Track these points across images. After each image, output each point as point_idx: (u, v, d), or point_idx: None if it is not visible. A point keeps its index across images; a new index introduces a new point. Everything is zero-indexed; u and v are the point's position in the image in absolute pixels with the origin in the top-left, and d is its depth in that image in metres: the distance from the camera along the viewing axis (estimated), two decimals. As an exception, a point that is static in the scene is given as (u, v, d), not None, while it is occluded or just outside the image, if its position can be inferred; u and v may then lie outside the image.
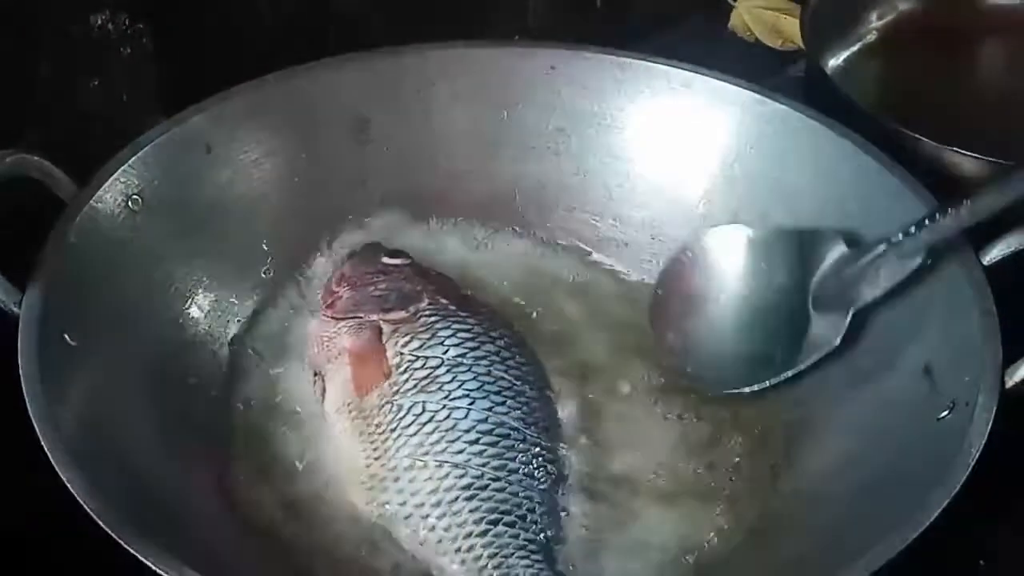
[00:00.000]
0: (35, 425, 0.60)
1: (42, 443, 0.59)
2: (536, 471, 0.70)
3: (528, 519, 0.67)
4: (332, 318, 0.77)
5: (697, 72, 0.85)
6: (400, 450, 0.69)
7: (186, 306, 0.77)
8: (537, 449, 0.71)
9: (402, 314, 0.76)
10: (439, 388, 0.72)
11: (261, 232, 0.82)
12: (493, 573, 0.65)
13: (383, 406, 0.71)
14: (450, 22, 0.91)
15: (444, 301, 0.77)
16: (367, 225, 0.84)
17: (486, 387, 0.72)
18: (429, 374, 0.72)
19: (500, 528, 0.66)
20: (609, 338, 0.81)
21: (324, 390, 0.74)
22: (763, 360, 0.76)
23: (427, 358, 0.73)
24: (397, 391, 0.72)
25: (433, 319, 0.76)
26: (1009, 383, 0.65)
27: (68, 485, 0.57)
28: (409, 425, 0.70)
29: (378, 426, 0.71)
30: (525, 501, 0.68)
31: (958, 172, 0.81)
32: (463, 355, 0.73)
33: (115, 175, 0.74)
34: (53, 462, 0.58)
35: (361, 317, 0.76)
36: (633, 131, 0.87)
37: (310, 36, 0.98)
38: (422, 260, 0.82)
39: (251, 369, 0.77)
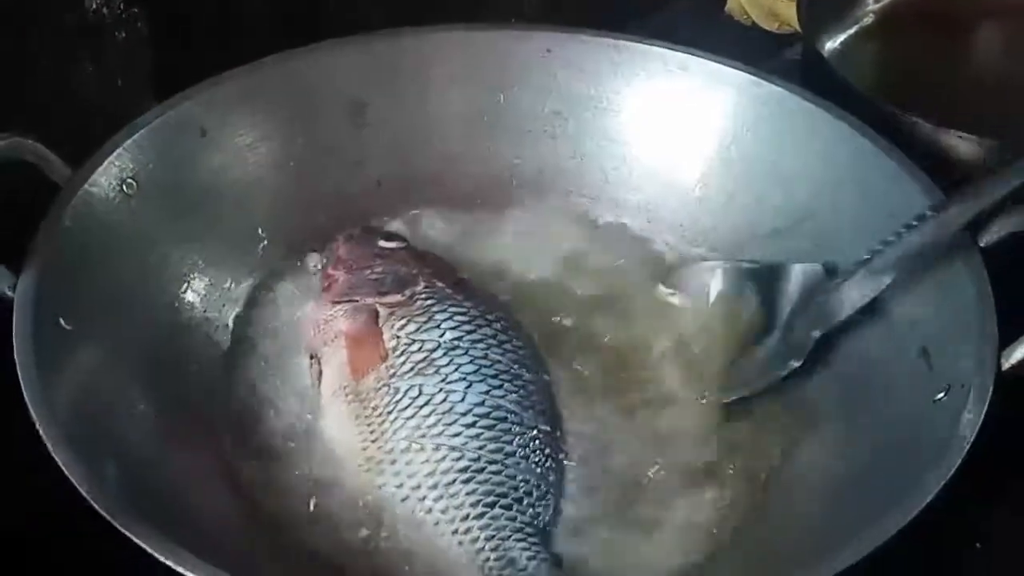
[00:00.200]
0: (31, 409, 0.60)
1: (38, 428, 0.59)
2: (533, 454, 0.70)
3: (525, 502, 0.67)
4: (328, 301, 0.77)
5: (694, 54, 0.85)
6: (397, 433, 0.69)
7: (182, 290, 0.77)
8: (534, 432, 0.71)
9: (398, 297, 0.76)
10: (436, 371, 0.72)
11: (257, 216, 0.81)
12: (490, 555, 0.65)
13: (380, 389, 0.71)
14: (445, 6, 0.90)
15: (440, 284, 0.77)
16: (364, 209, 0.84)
17: (483, 370, 0.72)
18: (426, 357, 0.72)
19: (497, 511, 0.66)
20: (607, 324, 0.80)
21: (320, 373, 0.74)
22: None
23: (424, 341, 0.73)
24: (394, 374, 0.72)
25: (430, 302, 0.75)
26: (1005, 365, 0.65)
27: (64, 469, 0.57)
28: (406, 408, 0.70)
29: (375, 409, 0.71)
30: (522, 484, 0.68)
31: (955, 154, 0.81)
32: (460, 338, 0.73)
33: (110, 159, 0.73)
34: (49, 447, 0.58)
35: (357, 300, 0.76)
36: (629, 114, 0.87)
37: (305, 20, 0.98)
38: (418, 243, 0.82)
39: (247, 352, 0.77)
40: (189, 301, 0.77)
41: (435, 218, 0.87)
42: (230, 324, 0.78)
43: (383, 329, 0.74)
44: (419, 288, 0.77)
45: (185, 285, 0.77)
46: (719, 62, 0.85)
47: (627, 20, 0.95)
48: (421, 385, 0.71)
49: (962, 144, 0.80)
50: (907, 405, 0.67)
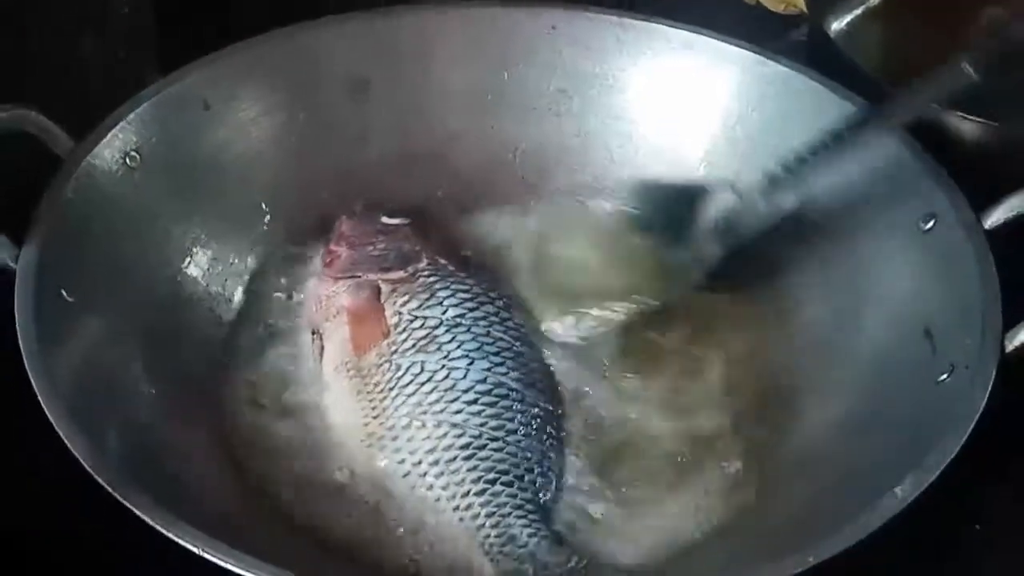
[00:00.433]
0: (32, 381, 0.60)
1: (39, 399, 0.59)
2: (534, 432, 0.70)
3: (526, 479, 0.67)
4: (331, 277, 0.76)
5: (699, 33, 0.85)
6: (399, 409, 0.69)
7: (184, 264, 0.77)
8: (536, 410, 0.71)
9: (401, 274, 0.76)
10: (438, 348, 0.72)
11: (260, 190, 0.81)
12: (491, 532, 0.65)
13: (381, 365, 0.71)
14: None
15: (443, 261, 0.77)
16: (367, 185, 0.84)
17: (485, 347, 0.72)
18: (428, 334, 0.72)
19: (498, 488, 0.66)
20: (602, 296, 0.79)
21: (322, 349, 0.74)
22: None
23: (426, 318, 0.73)
24: (396, 351, 0.72)
25: (432, 279, 0.75)
26: (1009, 347, 0.65)
27: (65, 441, 0.57)
28: (407, 385, 0.70)
29: (376, 385, 0.71)
30: (523, 461, 0.68)
31: (960, 135, 0.80)
32: (462, 315, 0.73)
33: (113, 131, 0.73)
34: (51, 418, 0.58)
35: (360, 276, 0.76)
36: (635, 92, 0.87)
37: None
38: (420, 220, 0.82)
39: (249, 327, 0.77)
40: (191, 275, 0.77)
41: (438, 197, 0.86)
42: (232, 298, 0.78)
43: (385, 305, 0.74)
44: (421, 265, 0.77)
45: (188, 259, 0.77)
46: (725, 41, 0.84)
47: (634, -1, 0.95)
48: (423, 362, 0.71)
49: (966, 125, 0.80)
50: (910, 386, 0.67)
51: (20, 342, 0.62)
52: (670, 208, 0.80)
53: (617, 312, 0.76)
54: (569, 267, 0.80)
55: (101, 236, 0.71)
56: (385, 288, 0.75)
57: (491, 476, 0.67)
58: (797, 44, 1.02)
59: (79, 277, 0.68)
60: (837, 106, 0.79)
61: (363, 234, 0.79)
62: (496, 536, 0.65)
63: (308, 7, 0.86)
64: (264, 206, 0.81)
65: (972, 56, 0.73)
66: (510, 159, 0.88)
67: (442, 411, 0.69)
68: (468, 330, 0.73)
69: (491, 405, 0.69)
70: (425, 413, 0.69)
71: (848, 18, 1.01)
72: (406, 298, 0.74)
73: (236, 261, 0.79)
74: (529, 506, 0.66)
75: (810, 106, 0.81)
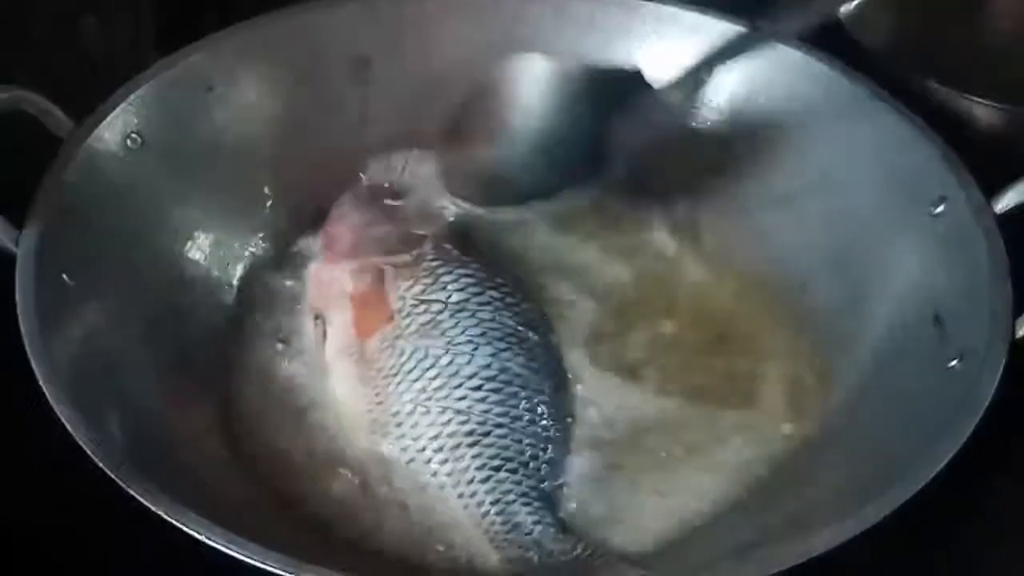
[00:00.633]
0: (33, 365, 0.59)
1: (40, 384, 0.59)
2: (540, 418, 0.69)
3: (531, 466, 0.67)
4: (333, 261, 0.76)
5: (706, 16, 0.84)
6: (402, 395, 0.69)
7: (186, 247, 0.76)
8: (542, 396, 0.70)
9: (404, 257, 0.75)
10: (442, 333, 0.71)
11: (262, 173, 0.81)
12: (495, 519, 0.65)
13: (385, 351, 0.71)
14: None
15: (447, 246, 0.77)
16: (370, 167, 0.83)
17: (490, 333, 0.72)
18: (432, 319, 0.72)
19: (503, 474, 0.66)
20: (615, 283, 0.80)
21: (325, 333, 0.73)
22: (539, 185, 0.78)
23: (430, 303, 0.73)
24: (399, 335, 0.71)
25: (436, 263, 0.75)
26: (1020, 333, 0.64)
27: (65, 424, 0.57)
28: (411, 370, 0.70)
29: (380, 370, 0.70)
30: (528, 448, 0.68)
31: (973, 119, 0.80)
32: (466, 300, 0.73)
33: (114, 113, 0.73)
34: (51, 403, 0.58)
35: (362, 260, 0.75)
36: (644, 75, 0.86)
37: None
38: (423, 203, 0.81)
39: (251, 311, 0.76)
40: (193, 258, 0.76)
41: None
42: (234, 282, 0.78)
43: (388, 290, 0.74)
44: (425, 248, 0.76)
45: (189, 242, 0.77)
46: (733, 23, 0.83)
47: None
48: (427, 347, 0.70)
49: (979, 109, 0.80)
50: (919, 372, 0.67)
51: (21, 326, 0.61)
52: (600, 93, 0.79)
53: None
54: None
55: (102, 219, 0.71)
56: (388, 272, 0.74)
57: (496, 463, 0.66)
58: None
59: (80, 260, 0.67)
60: (847, 89, 0.79)
61: (366, 217, 0.78)
62: (501, 523, 0.64)
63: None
64: (266, 189, 0.81)
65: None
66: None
67: (446, 397, 0.69)
68: (473, 315, 0.72)
69: (496, 391, 0.69)
70: (429, 399, 0.68)
71: (857, 0, 1.00)
72: (410, 282, 0.74)
73: (238, 244, 0.79)
74: (534, 493, 0.66)
75: (819, 91, 0.80)
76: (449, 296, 0.73)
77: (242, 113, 0.80)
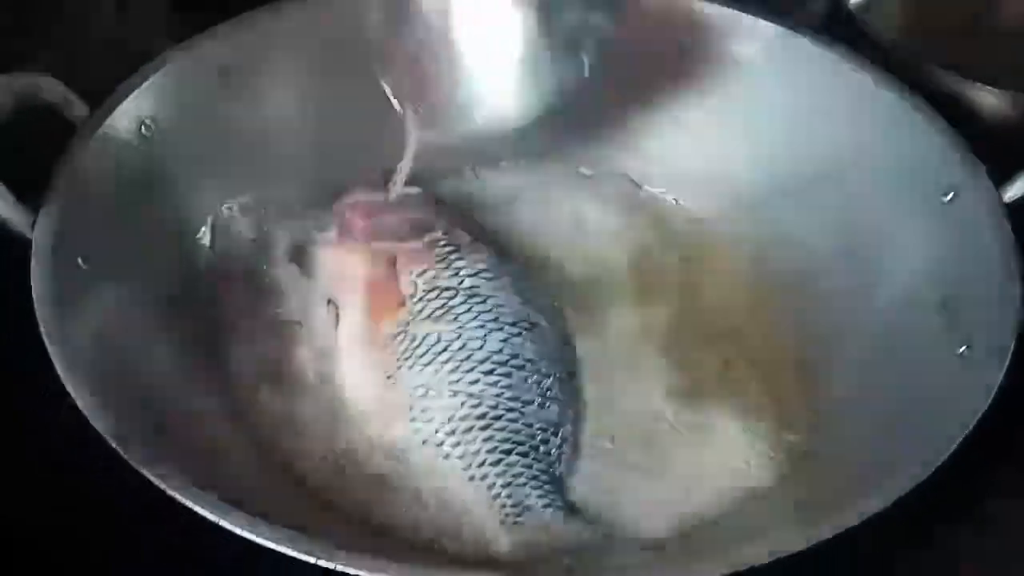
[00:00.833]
0: (49, 351, 0.60)
1: (56, 367, 0.59)
2: (551, 403, 0.70)
3: (542, 450, 0.67)
4: (346, 246, 0.76)
5: (716, 4, 0.84)
6: (415, 379, 0.69)
7: (200, 234, 0.77)
8: (551, 380, 0.71)
9: (417, 243, 0.75)
10: (454, 318, 0.72)
11: (276, 159, 0.81)
12: (506, 502, 0.65)
13: (397, 335, 0.71)
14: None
15: (460, 231, 0.77)
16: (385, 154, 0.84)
17: (502, 318, 0.72)
18: (444, 304, 0.72)
19: (513, 458, 0.66)
20: (618, 269, 0.81)
21: (338, 318, 0.74)
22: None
23: (442, 288, 0.73)
24: (411, 320, 0.72)
25: (448, 249, 0.75)
26: (1028, 320, 0.65)
27: (81, 409, 0.57)
28: (424, 355, 0.70)
29: (392, 355, 0.70)
30: (539, 432, 0.68)
31: (980, 106, 0.80)
32: (478, 285, 0.73)
33: (129, 99, 0.73)
34: (68, 388, 0.58)
35: (375, 246, 0.76)
36: (650, 63, 0.86)
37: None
38: (439, 191, 0.82)
39: (266, 295, 0.76)
40: (207, 243, 0.77)
41: (455, 165, 0.86)
42: (248, 267, 0.78)
43: (401, 275, 0.74)
44: (438, 234, 0.76)
45: (203, 228, 0.77)
46: (742, 12, 0.83)
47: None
48: (439, 332, 0.71)
49: (989, 97, 0.80)
50: (926, 359, 0.67)
51: (36, 311, 0.61)
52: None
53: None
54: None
55: (117, 204, 0.71)
56: (401, 258, 0.75)
57: (507, 446, 0.67)
58: (815, 15, 1.01)
59: (95, 246, 0.67)
60: (855, 77, 0.79)
61: (379, 203, 0.78)
62: (512, 506, 0.65)
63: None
64: (280, 175, 0.81)
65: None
66: (528, 126, 0.87)
67: (458, 381, 0.69)
68: (485, 300, 0.72)
69: (507, 375, 0.69)
70: (441, 383, 0.69)
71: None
72: (422, 268, 0.74)
73: (252, 230, 0.79)
74: (545, 476, 0.66)
75: (828, 78, 0.80)
76: (461, 281, 0.73)
77: (257, 100, 0.80)
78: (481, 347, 0.70)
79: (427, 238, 0.76)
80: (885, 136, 0.77)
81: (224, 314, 0.75)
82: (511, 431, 0.67)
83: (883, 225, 0.76)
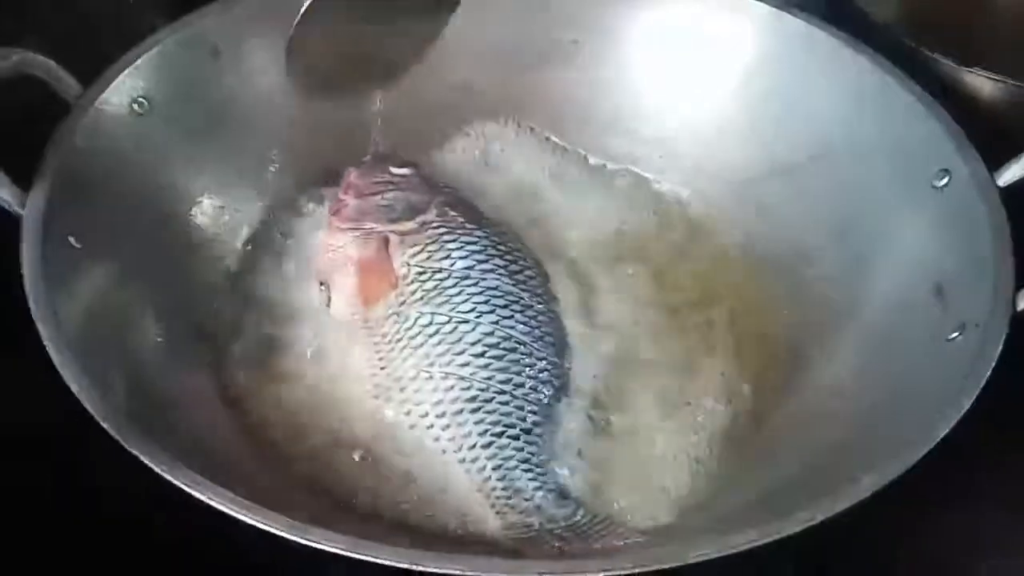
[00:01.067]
0: (38, 328, 0.60)
1: (44, 344, 0.59)
2: (542, 385, 0.69)
3: (533, 432, 0.67)
4: (338, 227, 0.76)
5: None
6: (406, 361, 0.69)
7: (192, 211, 0.77)
8: (543, 363, 0.70)
9: (410, 225, 0.75)
10: (446, 300, 0.71)
11: (269, 139, 0.81)
12: (497, 485, 0.65)
13: (389, 317, 0.71)
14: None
15: (452, 213, 0.77)
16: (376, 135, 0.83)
17: (493, 301, 0.72)
18: (436, 286, 0.72)
19: (504, 440, 0.66)
20: (612, 252, 0.81)
21: (330, 299, 0.74)
22: None
23: (434, 270, 0.73)
24: (404, 302, 0.72)
25: (441, 231, 0.75)
26: (1021, 305, 0.65)
27: (70, 385, 0.57)
28: (415, 336, 0.70)
29: (384, 336, 0.70)
30: (530, 415, 0.68)
31: (978, 93, 0.80)
32: (471, 268, 0.73)
33: (121, 77, 0.73)
34: (56, 365, 0.58)
35: (368, 227, 0.75)
36: (647, 45, 0.86)
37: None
38: (430, 171, 0.82)
39: (256, 276, 0.77)
40: (199, 223, 0.77)
41: (447, 147, 0.86)
42: (239, 247, 0.78)
43: (393, 257, 0.74)
44: (430, 216, 0.76)
45: (195, 207, 0.77)
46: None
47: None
48: (431, 314, 0.71)
49: (985, 83, 0.79)
50: (920, 343, 0.67)
51: (27, 288, 0.61)
52: None
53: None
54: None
55: (108, 182, 0.71)
56: (394, 239, 0.75)
57: (498, 429, 0.67)
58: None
59: (86, 224, 0.67)
60: (853, 61, 0.79)
61: (371, 183, 0.78)
62: (502, 489, 0.65)
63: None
64: (273, 155, 0.81)
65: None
66: (521, 109, 0.87)
67: (449, 363, 0.69)
68: (477, 283, 0.72)
69: (499, 358, 0.69)
70: (432, 365, 0.69)
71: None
72: (415, 249, 0.74)
73: (244, 209, 0.79)
74: (535, 460, 0.66)
75: (825, 61, 0.80)
76: (453, 264, 0.73)
77: (249, 78, 0.80)
78: (473, 330, 0.70)
79: (419, 219, 0.76)
80: (880, 120, 0.77)
81: (215, 294, 0.75)
82: (502, 414, 0.67)
83: (876, 210, 0.75)
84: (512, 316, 0.72)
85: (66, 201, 0.66)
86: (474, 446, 0.66)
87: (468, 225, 0.76)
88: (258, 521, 0.53)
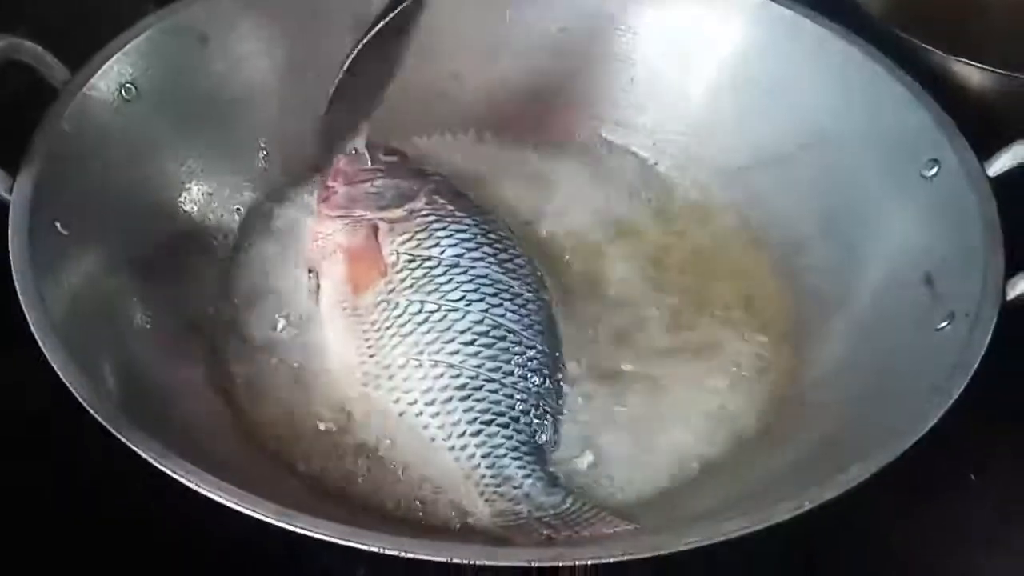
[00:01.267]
0: (26, 314, 0.60)
1: (32, 330, 0.59)
2: (531, 374, 0.69)
3: (522, 420, 0.67)
4: (327, 215, 0.76)
5: None
6: (395, 348, 0.69)
7: (180, 198, 0.76)
8: (533, 352, 0.70)
9: (399, 212, 0.75)
10: (436, 288, 0.71)
11: (258, 126, 0.81)
12: (486, 473, 0.65)
13: (378, 305, 0.71)
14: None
15: (442, 201, 0.76)
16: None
17: (483, 289, 0.72)
18: (426, 274, 0.72)
19: (493, 428, 0.66)
20: (608, 239, 0.80)
21: (318, 287, 0.73)
22: None
23: (424, 258, 0.73)
24: (393, 290, 0.71)
25: (430, 219, 0.75)
26: (1011, 295, 0.65)
27: (59, 373, 0.57)
28: (405, 324, 0.70)
29: (373, 324, 0.70)
30: (519, 403, 0.68)
31: (966, 83, 0.80)
32: (460, 256, 0.73)
33: (109, 63, 0.73)
34: (44, 351, 0.58)
35: (356, 214, 0.75)
36: (637, 34, 0.86)
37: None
38: (420, 160, 0.81)
39: (244, 263, 0.76)
40: (187, 209, 0.76)
41: (437, 135, 0.86)
42: (228, 234, 0.78)
43: (383, 244, 0.74)
44: (420, 204, 0.76)
45: (183, 193, 0.77)
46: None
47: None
48: (421, 302, 0.71)
49: (973, 73, 0.79)
50: (909, 332, 0.67)
51: (14, 274, 0.61)
52: None
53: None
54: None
55: (96, 168, 0.70)
56: (383, 227, 0.74)
57: (487, 417, 0.67)
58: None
59: (74, 209, 0.67)
60: (843, 51, 0.79)
61: (360, 171, 0.78)
62: (491, 477, 0.65)
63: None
64: (261, 142, 0.81)
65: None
66: (511, 99, 0.87)
67: (439, 352, 0.69)
68: (466, 271, 0.72)
69: (488, 346, 0.69)
70: (422, 353, 0.69)
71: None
72: (404, 237, 0.74)
73: (232, 196, 0.79)
74: (525, 447, 0.66)
75: (815, 51, 0.80)
76: (443, 251, 0.73)
77: (238, 66, 0.80)
78: (462, 318, 0.70)
79: (409, 207, 0.75)
80: (870, 110, 0.77)
81: (204, 282, 0.75)
82: (491, 402, 0.67)
83: (867, 199, 0.76)
84: (502, 304, 0.71)
85: (53, 187, 0.66)
86: (463, 434, 0.66)
87: (458, 213, 0.75)
88: (247, 508, 0.53)
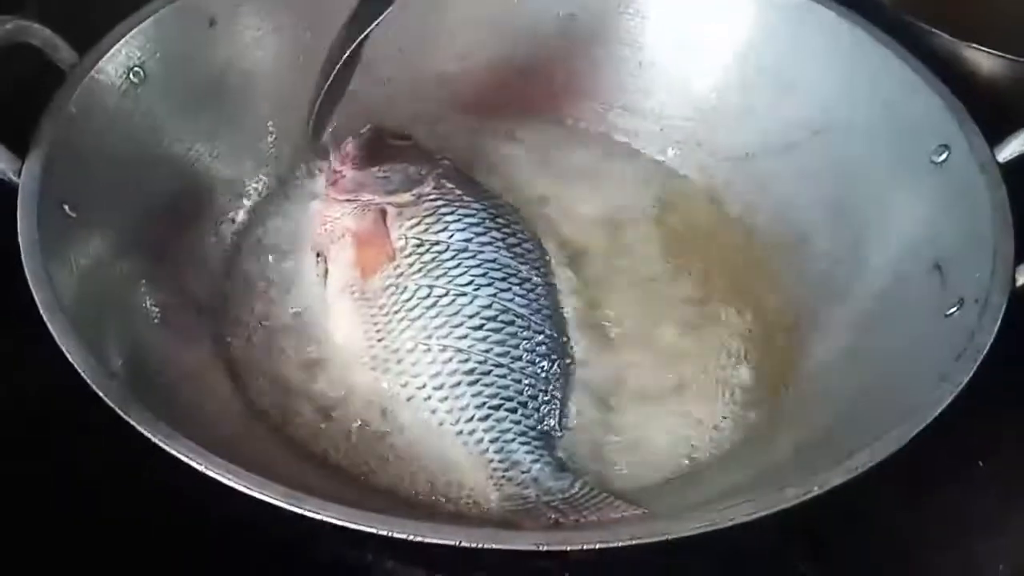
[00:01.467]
0: (35, 296, 0.59)
1: (40, 312, 0.59)
2: (539, 359, 0.69)
3: (530, 405, 0.67)
4: (335, 199, 0.76)
5: None
6: (404, 333, 0.69)
7: (187, 182, 0.76)
8: (541, 337, 0.70)
9: (407, 197, 0.75)
10: (444, 273, 0.71)
11: (265, 110, 0.81)
12: (494, 457, 0.65)
13: (387, 289, 0.71)
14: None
15: (450, 185, 0.76)
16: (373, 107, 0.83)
17: (491, 274, 0.72)
18: (434, 258, 0.72)
19: (501, 413, 0.66)
20: (614, 224, 0.80)
21: (327, 271, 0.73)
22: None
23: (432, 243, 0.73)
24: (401, 274, 0.71)
25: (439, 203, 0.75)
26: (1020, 281, 0.65)
27: (67, 356, 0.57)
28: (413, 309, 0.70)
29: (381, 308, 0.70)
30: (527, 388, 0.68)
31: (975, 68, 0.79)
32: (469, 240, 0.73)
33: (117, 46, 0.72)
34: (53, 334, 0.58)
35: (365, 198, 0.75)
36: (646, 19, 0.86)
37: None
38: (428, 144, 0.81)
39: (253, 247, 0.77)
40: (194, 192, 0.76)
41: (445, 119, 0.86)
42: (236, 218, 0.78)
43: (391, 229, 0.74)
44: (428, 188, 0.76)
45: (191, 177, 0.76)
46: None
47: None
48: (429, 286, 0.71)
49: (985, 59, 0.79)
50: (919, 318, 0.67)
51: (23, 257, 0.61)
52: None
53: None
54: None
55: (104, 151, 0.70)
56: (391, 211, 0.74)
57: (495, 402, 0.67)
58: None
59: (82, 192, 0.67)
60: (852, 35, 0.78)
61: (369, 155, 0.78)
62: (500, 461, 0.65)
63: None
64: (270, 126, 0.81)
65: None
66: (518, 84, 0.87)
67: (447, 336, 0.69)
68: (475, 256, 0.72)
69: (497, 331, 0.69)
70: (430, 338, 0.69)
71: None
72: (412, 222, 0.74)
73: (240, 180, 0.79)
74: (533, 432, 0.66)
75: (824, 37, 0.80)
76: (451, 236, 0.73)
77: (246, 49, 0.80)
78: (471, 303, 0.70)
79: (417, 192, 0.75)
80: (879, 95, 0.77)
81: (211, 265, 0.75)
82: (500, 387, 0.67)
83: (876, 185, 0.75)
84: (510, 289, 0.71)
85: (61, 170, 0.66)
86: (472, 419, 0.66)
87: (466, 198, 0.75)
88: (256, 490, 0.53)
